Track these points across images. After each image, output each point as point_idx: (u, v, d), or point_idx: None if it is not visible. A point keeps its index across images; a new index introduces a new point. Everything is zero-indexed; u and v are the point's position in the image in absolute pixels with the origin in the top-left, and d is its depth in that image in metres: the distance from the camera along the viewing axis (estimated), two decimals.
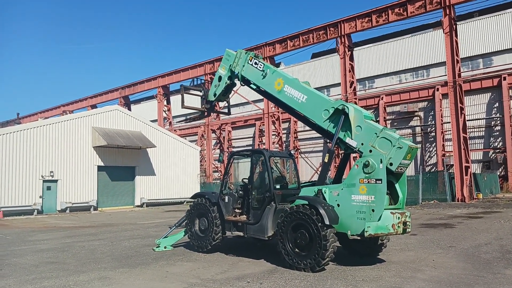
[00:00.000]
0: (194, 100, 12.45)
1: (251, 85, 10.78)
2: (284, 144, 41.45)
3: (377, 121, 33.74)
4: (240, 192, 10.19)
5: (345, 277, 7.49)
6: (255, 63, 10.34)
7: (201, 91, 11.82)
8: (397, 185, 8.29)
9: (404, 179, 8.38)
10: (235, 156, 10.98)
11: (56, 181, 26.78)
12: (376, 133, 8.18)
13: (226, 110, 13.01)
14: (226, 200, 10.10)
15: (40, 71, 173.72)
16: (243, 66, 10.56)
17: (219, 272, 8.23)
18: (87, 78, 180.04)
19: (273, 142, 38.42)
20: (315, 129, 9.77)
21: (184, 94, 12.05)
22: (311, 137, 40.28)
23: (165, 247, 10.86)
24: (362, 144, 8.30)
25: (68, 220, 21.80)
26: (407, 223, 8.18)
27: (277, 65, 41.61)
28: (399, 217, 7.94)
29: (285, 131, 43.20)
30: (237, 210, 10.08)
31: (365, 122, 8.43)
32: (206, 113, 12.21)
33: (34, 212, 25.14)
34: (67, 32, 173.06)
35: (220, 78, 11.18)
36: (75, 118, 28.66)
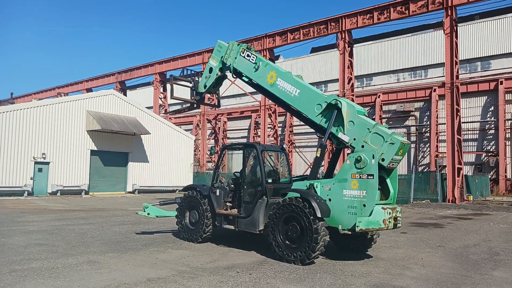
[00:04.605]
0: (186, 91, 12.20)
1: (243, 78, 10.61)
2: (280, 138, 41.42)
3: (373, 119, 33.80)
4: (232, 185, 10.14)
5: (334, 271, 7.52)
6: (248, 55, 10.18)
7: (191, 82, 11.65)
8: (388, 181, 8.30)
9: (396, 174, 8.40)
10: (227, 149, 10.95)
11: (48, 163, 26.60)
12: (368, 129, 8.17)
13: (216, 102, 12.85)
14: (217, 193, 10.05)
15: (37, 52, 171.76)
16: (235, 58, 10.40)
17: (209, 261, 8.22)
18: (83, 62, 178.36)
19: (269, 135, 38.36)
20: (307, 124, 9.70)
21: (174, 85, 11.85)
22: (307, 131, 40.26)
23: (148, 214, 10.89)
24: (355, 139, 8.30)
25: (59, 203, 21.70)
26: (398, 218, 8.21)
27: (276, 58, 41.41)
28: (390, 213, 7.97)
29: (281, 125, 43.15)
30: (228, 204, 10.04)
31: (357, 117, 8.40)
32: (195, 105, 12.06)
33: (24, 194, 25.00)
34: (65, 14, 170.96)
35: (211, 70, 11.01)
36: (70, 101, 28.40)
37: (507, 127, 32.11)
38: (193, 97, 11.66)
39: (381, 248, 9.91)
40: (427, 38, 38.62)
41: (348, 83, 31.07)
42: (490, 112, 33.42)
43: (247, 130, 46.72)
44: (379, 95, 37.40)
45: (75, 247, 9.29)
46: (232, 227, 9.57)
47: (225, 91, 37.58)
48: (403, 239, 11.52)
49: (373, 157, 7.78)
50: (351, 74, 31.43)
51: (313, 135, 40.09)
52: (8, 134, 24.88)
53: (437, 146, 34.05)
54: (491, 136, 33.35)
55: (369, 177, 7.76)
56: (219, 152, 11.84)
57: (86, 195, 27.80)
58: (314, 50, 48.23)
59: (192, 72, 12.14)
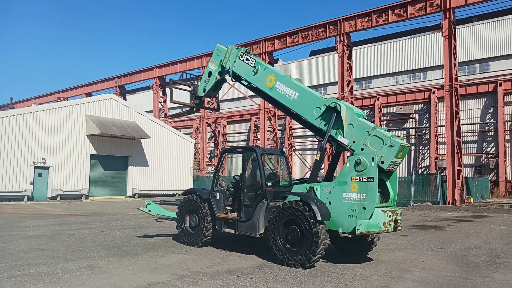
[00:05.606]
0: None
1: (243, 81, 10.63)
2: (279, 141, 41.43)
3: (372, 122, 33.83)
4: (232, 189, 10.14)
5: (335, 275, 7.50)
6: (247, 59, 10.21)
7: (190, 86, 11.66)
8: (388, 183, 8.31)
9: (395, 177, 8.41)
10: (226, 153, 10.95)
11: (47, 168, 26.57)
12: (367, 131, 8.19)
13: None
14: (217, 197, 10.04)
15: (36, 56, 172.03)
16: (234, 61, 10.42)
17: (209, 265, 8.21)
18: (83, 66, 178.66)
19: (268, 138, 38.39)
20: (307, 127, 9.71)
21: (174, 89, 11.87)
22: (306, 134, 40.26)
23: (149, 211, 11.13)
24: (354, 142, 8.32)
25: (59, 208, 21.67)
26: (398, 221, 8.20)
27: (275, 61, 41.45)
28: (390, 215, 7.96)
29: (280, 128, 43.16)
30: (228, 207, 10.02)
31: (357, 120, 8.43)
32: (195, 109, 12.07)
33: (24, 198, 24.96)
34: (65, 19, 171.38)
35: (210, 74, 11.03)
36: (70, 106, 28.42)
37: (506, 129, 32.13)
38: (192, 101, 11.66)
39: (382, 251, 9.89)
40: (426, 40, 38.73)
41: (347, 86, 31.12)
42: (490, 114, 33.44)
43: (246, 134, 46.73)
44: (378, 98, 37.44)
45: (75, 252, 9.27)
46: (232, 231, 9.55)
47: (225, 95, 37.70)
48: (404, 242, 11.50)
49: (373, 160, 7.79)
50: (350, 77, 31.49)
51: (312, 138, 40.08)
52: (8, 139, 24.86)
53: (436, 148, 34.07)
54: (490, 138, 33.36)
55: (369, 180, 7.76)
56: (218, 155, 11.84)
57: (86, 199, 27.76)
58: (313, 53, 48.34)
59: (192, 76, 12.14)
